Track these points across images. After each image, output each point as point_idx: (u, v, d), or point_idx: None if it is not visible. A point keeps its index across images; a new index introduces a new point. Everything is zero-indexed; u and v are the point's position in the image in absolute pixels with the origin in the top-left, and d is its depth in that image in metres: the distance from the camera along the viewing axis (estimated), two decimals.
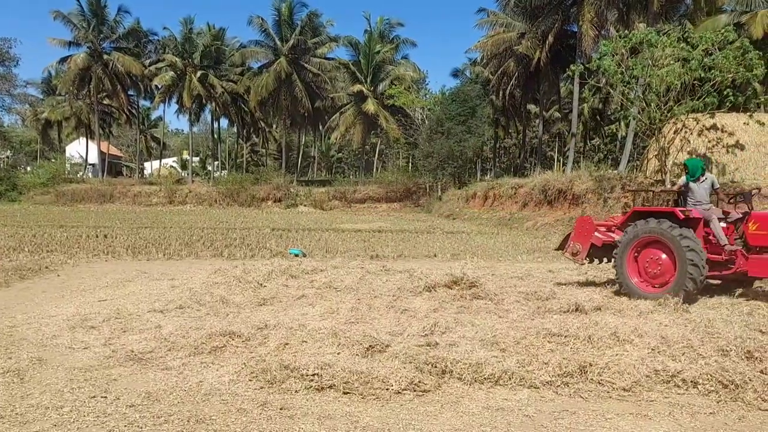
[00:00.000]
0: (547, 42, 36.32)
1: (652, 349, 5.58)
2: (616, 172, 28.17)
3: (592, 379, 4.98)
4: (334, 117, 54.41)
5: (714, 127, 25.37)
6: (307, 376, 4.90)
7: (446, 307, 7.83)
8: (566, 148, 59.07)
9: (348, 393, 4.72)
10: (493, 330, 6.14)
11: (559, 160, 57.03)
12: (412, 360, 5.25)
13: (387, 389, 4.74)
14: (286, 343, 5.78)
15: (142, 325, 6.77)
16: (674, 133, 24.22)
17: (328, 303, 7.95)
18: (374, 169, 66.35)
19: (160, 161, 66.90)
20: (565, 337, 5.77)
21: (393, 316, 7.24)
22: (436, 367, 5.14)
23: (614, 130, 38.35)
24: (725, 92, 23.23)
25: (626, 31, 26.58)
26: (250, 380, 4.96)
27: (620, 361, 5.20)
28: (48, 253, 13.90)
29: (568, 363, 5.15)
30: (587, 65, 27.90)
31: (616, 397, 4.77)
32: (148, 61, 54.46)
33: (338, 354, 5.50)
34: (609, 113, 54.40)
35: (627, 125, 31.66)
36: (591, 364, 5.12)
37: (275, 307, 7.87)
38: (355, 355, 5.46)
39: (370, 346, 5.61)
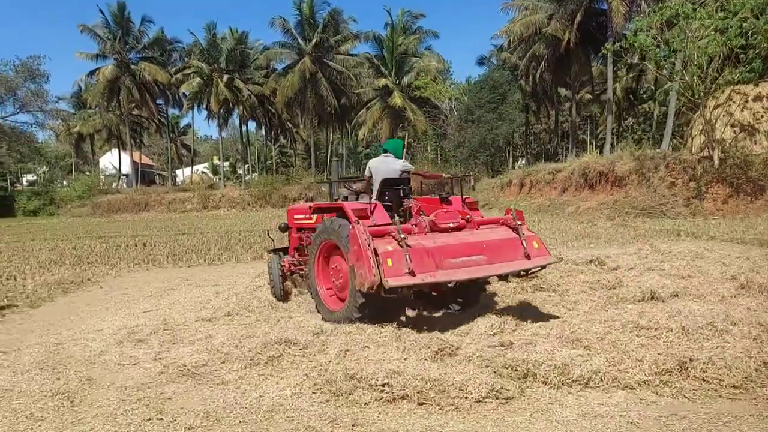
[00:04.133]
0: (576, 21, 35.23)
1: (754, 339, 5.01)
2: (659, 150, 27.09)
3: (695, 376, 4.42)
4: (360, 113, 53.95)
5: (759, 96, 24.22)
6: (376, 386, 4.44)
7: (507, 301, 7.34)
8: (598, 131, 57.58)
9: (424, 404, 4.26)
10: (570, 325, 5.61)
11: (591, 143, 55.62)
12: (488, 363, 4.78)
13: (466, 398, 4.27)
14: (347, 350, 5.32)
15: (192, 335, 6.42)
16: (717, 107, 23.14)
17: None
18: None
19: (192, 168, 67.35)
20: (655, 329, 5.22)
21: (452, 313, 6.78)
22: (516, 370, 4.64)
23: (648, 109, 37.13)
24: None
25: (659, 5, 25.55)
26: (314, 393, 4.53)
27: (724, 354, 4.63)
28: (89, 264, 13.77)
29: (665, 359, 4.60)
30: (620, 43, 26.89)
31: (726, 395, 4.22)
32: (173, 69, 54.80)
33: (405, 359, 5.01)
34: (641, 92, 52.84)
35: (662, 103, 30.41)
36: (691, 360, 4.55)
37: None
38: (423, 360, 4.98)
39: (438, 349, 5.14)
